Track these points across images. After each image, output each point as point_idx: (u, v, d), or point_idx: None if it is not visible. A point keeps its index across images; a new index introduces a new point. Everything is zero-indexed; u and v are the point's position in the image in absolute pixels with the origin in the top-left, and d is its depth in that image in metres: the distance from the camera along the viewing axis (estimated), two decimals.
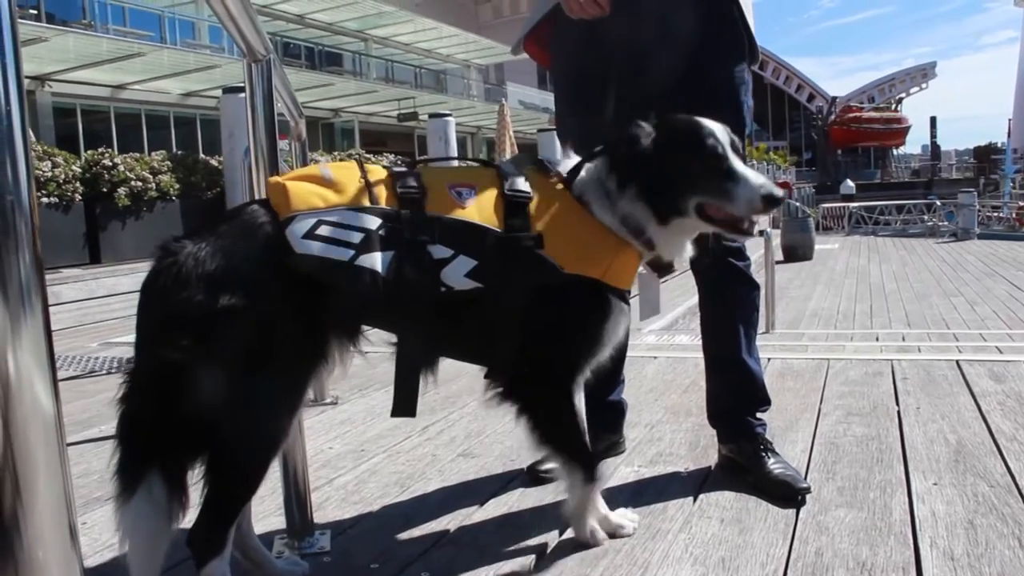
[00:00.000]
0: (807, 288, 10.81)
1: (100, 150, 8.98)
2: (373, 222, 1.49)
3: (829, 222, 24.74)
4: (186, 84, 18.24)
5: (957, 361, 3.50)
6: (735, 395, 2.24)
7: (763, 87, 52.34)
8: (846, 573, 1.64)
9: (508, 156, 14.79)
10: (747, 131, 2.19)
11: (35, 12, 16.16)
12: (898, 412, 2.78)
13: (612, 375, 2.26)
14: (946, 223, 21.61)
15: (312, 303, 1.45)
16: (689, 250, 1.76)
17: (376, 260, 1.47)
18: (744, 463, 2.17)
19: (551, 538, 1.86)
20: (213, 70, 17.34)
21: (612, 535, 1.83)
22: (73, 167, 8.31)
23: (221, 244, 1.41)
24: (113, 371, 4.32)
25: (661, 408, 2.95)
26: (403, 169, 1.62)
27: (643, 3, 2.02)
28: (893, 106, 62.28)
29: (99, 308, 7.04)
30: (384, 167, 1.63)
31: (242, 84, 1.80)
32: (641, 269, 1.76)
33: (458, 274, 1.51)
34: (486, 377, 1.69)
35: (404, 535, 1.93)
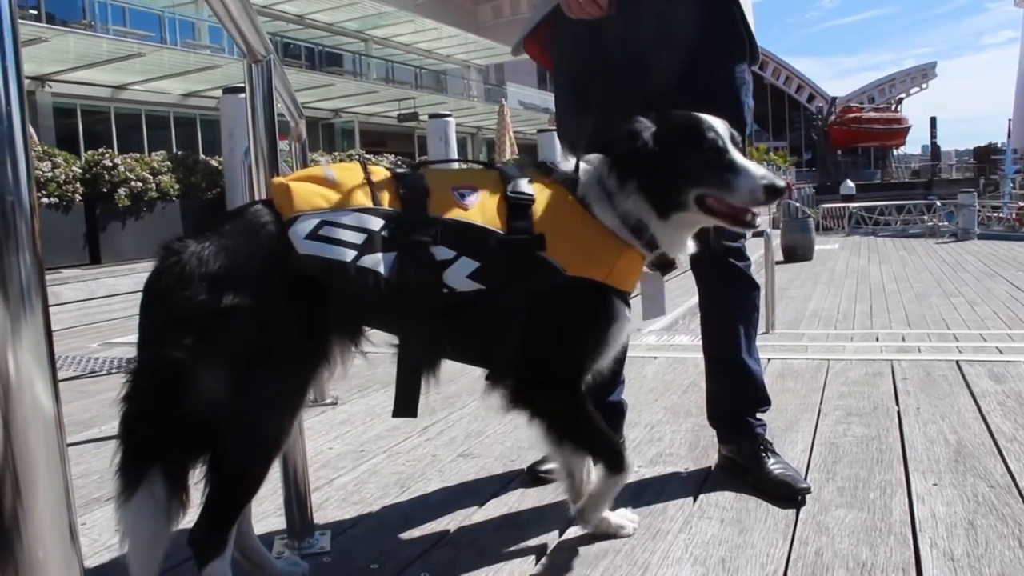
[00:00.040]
0: (807, 288, 10.81)
1: (100, 150, 8.97)
2: (376, 223, 1.49)
3: (829, 222, 24.73)
4: (186, 84, 18.24)
5: (957, 361, 3.50)
6: (735, 395, 2.25)
7: (763, 87, 52.30)
8: (846, 573, 1.64)
9: (508, 156, 14.81)
10: (748, 131, 2.19)
11: (35, 12, 16.17)
12: (898, 412, 2.78)
13: (612, 376, 2.25)
14: (946, 223, 21.62)
15: (314, 304, 1.45)
16: (691, 246, 1.76)
17: (378, 261, 1.47)
18: (744, 463, 2.17)
19: (551, 538, 1.86)
20: (213, 70, 17.35)
21: (612, 535, 1.83)
22: (73, 167, 8.30)
23: (224, 244, 1.41)
24: (113, 371, 4.32)
25: (661, 408, 2.95)
26: (406, 170, 1.62)
27: (643, 3, 2.02)
28: (893, 106, 62.25)
29: (99, 308, 7.04)
30: (387, 168, 1.63)
31: (242, 84, 1.80)
32: (645, 270, 1.75)
33: (460, 275, 1.51)
34: (487, 379, 1.69)
35: (404, 535, 1.93)
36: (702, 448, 2.44)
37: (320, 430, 2.86)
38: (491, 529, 1.94)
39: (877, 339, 6.35)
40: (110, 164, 8.66)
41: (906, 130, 62.36)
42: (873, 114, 59.11)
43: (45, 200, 7.87)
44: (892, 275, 12.27)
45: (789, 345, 5.19)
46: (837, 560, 1.69)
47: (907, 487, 2.08)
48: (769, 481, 2.07)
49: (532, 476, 2.24)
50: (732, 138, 1.65)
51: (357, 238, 1.46)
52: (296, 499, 1.86)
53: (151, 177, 9.03)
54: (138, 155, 9.38)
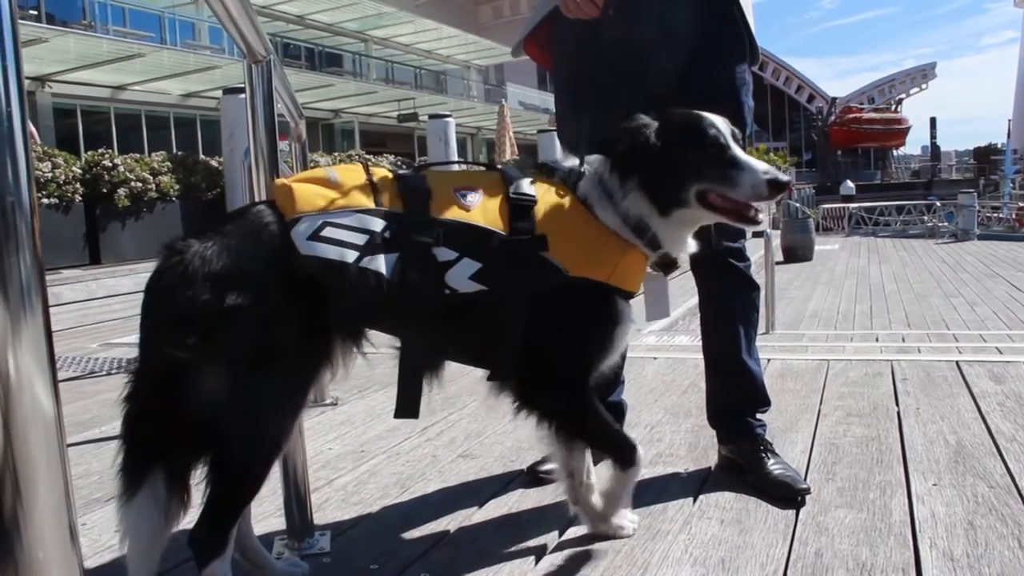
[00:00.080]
0: (807, 289, 10.81)
1: (100, 151, 8.98)
2: (378, 224, 1.49)
3: (829, 223, 24.72)
4: (186, 85, 18.25)
5: (957, 362, 3.50)
6: (735, 396, 2.25)
7: (763, 88, 52.28)
8: (846, 574, 1.64)
9: (508, 157, 14.81)
10: (748, 131, 2.19)
11: (35, 13, 16.17)
12: (898, 413, 2.78)
13: (612, 376, 2.25)
14: (946, 224, 21.61)
15: (316, 304, 1.45)
16: (692, 245, 1.75)
17: (380, 262, 1.47)
18: (744, 464, 2.17)
19: (551, 539, 1.86)
20: (213, 71, 17.35)
21: (612, 536, 1.83)
22: (73, 168, 8.31)
23: (227, 243, 1.42)
24: (113, 372, 4.32)
25: (661, 409, 2.95)
26: (408, 172, 1.62)
27: (643, 3, 2.02)
28: (893, 107, 62.23)
29: (99, 309, 7.04)
30: (389, 169, 1.63)
31: (242, 85, 1.80)
32: (649, 270, 1.75)
33: (462, 276, 1.51)
34: (489, 379, 1.69)
35: (404, 536, 1.93)
36: (702, 449, 2.44)
37: (320, 431, 2.86)
38: (491, 529, 1.94)
39: (877, 340, 6.35)
40: (110, 164, 8.67)
41: (906, 130, 62.35)
42: (873, 115, 59.10)
43: (45, 201, 7.88)
44: (892, 275, 12.27)
45: (789, 345, 5.19)
46: (837, 560, 1.69)
47: (907, 487, 2.08)
48: (769, 482, 2.07)
49: (532, 476, 2.24)
50: (733, 135, 1.66)
51: (359, 239, 1.47)
52: (296, 499, 1.86)
53: (151, 177, 9.04)
54: (138, 156, 9.39)
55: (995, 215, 25.28)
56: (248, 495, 1.49)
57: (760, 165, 1.60)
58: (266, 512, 2.03)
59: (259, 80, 1.74)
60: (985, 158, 57.14)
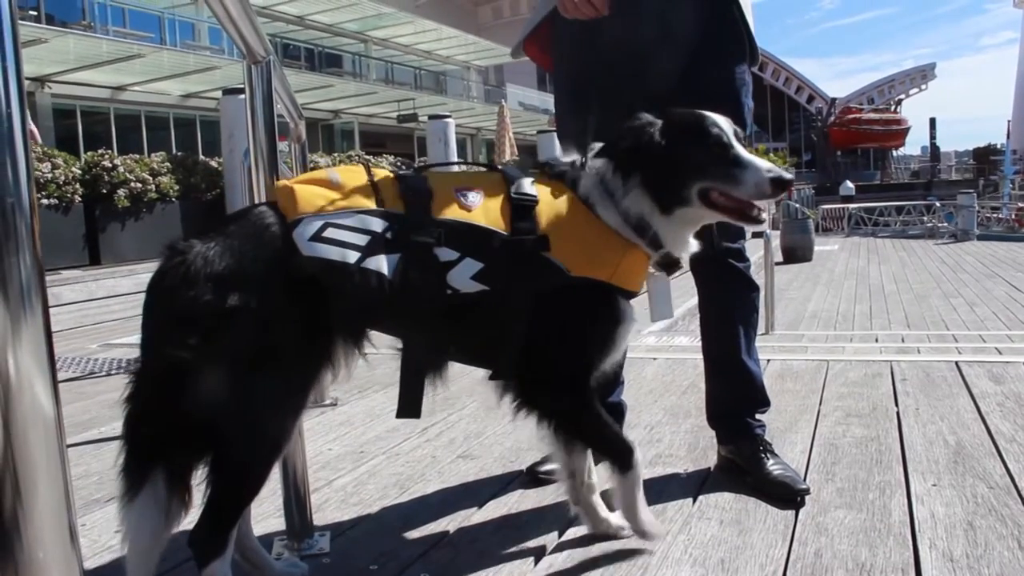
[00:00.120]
0: (806, 289, 10.81)
1: (100, 151, 8.99)
2: (379, 225, 1.50)
3: (829, 223, 24.72)
4: (186, 85, 18.25)
5: (956, 362, 3.50)
6: (734, 396, 2.25)
7: (763, 88, 52.30)
8: (845, 574, 1.64)
9: (508, 158, 14.81)
10: (748, 132, 2.19)
11: (35, 13, 16.18)
12: (897, 413, 2.78)
13: (612, 377, 2.26)
14: (945, 224, 21.61)
15: (318, 305, 1.46)
16: (693, 244, 1.75)
17: (382, 263, 1.47)
18: (743, 464, 2.17)
19: (550, 540, 1.86)
20: (213, 71, 17.36)
21: (612, 536, 1.83)
22: (73, 168, 8.31)
23: (229, 244, 1.42)
24: (113, 373, 4.32)
25: (660, 409, 2.95)
26: (409, 172, 1.62)
27: (643, 3, 2.02)
28: (892, 107, 62.27)
29: (99, 309, 7.04)
30: (390, 170, 1.63)
31: (242, 85, 1.81)
32: (651, 270, 1.75)
33: (464, 277, 1.51)
34: (491, 379, 1.69)
35: (403, 536, 1.93)
36: (701, 449, 2.44)
37: (320, 431, 2.86)
38: (490, 530, 1.94)
39: (876, 340, 6.35)
40: (110, 165, 8.68)
41: (905, 131, 62.38)
42: (872, 115, 59.13)
43: (45, 201, 7.88)
44: (891, 276, 12.26)
45: (788, 346, 5.19)
46: (836, 561, 1.69)
47: (906, 488, 2.08)
48: (768, 482, 2.07)
49: (531, 477, 2.24)
50: (736, 134, 1.66)
51: (361, 240, 1.47)
52: (295, 500, 1.86)
53: (151, 178, 9.04)
54: (138, 156, 9.40)
55: (994, 215, 25.29)
56: (249, 496, 1.49)
57: (763, 163, 1.60)
58: (266, 513, 2.03)
59: (259, 81, 1.74)
60: (984, 158, 57.20)
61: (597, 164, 1.68)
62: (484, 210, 1.57)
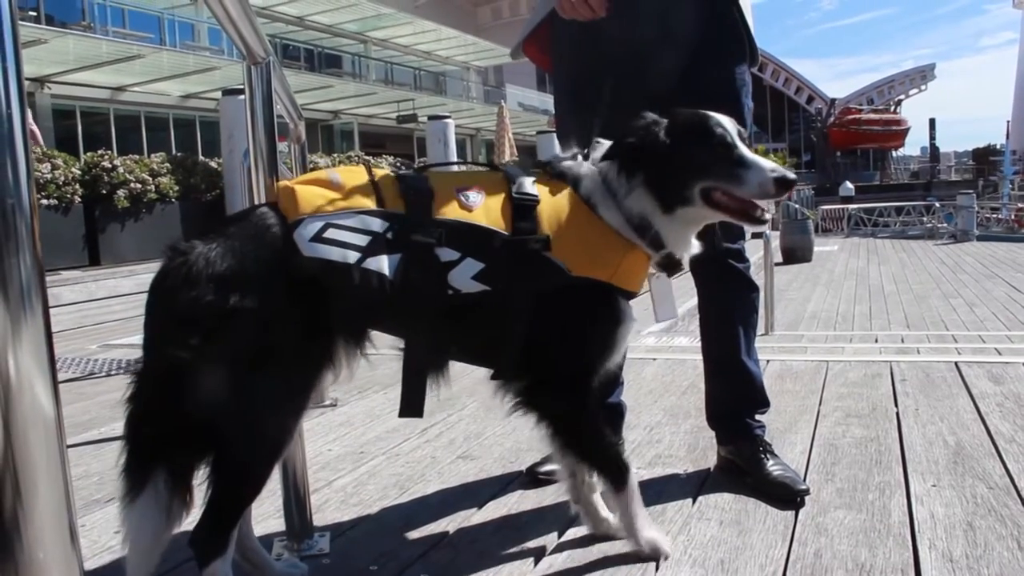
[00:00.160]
0: (806, 290, 10.81)
1: (99, 152, 8.99)
2: (380, 225, 1.50)
3: (828, 224, 24.72)
4: (185, 86, 18.26)
5: (956, 363, 3.50)
6: (734, 397, 2.25)
7: (762, 89, 52.33)
8: (845, 575, 1.64)
9: (507, 158, 14.81)
10: (748, 133, 2.19)
11: (34, 14, 16.19)
12: (897, 414, 2.78)
13: (612, 377, 2.26)
14: (945, 225, 21.61)
15: (319, 306, 1.46)
16: (696, 246, 1.75)
17: (383, 263, 1.47)
18: (743, 465, 2.17)
19: (550, 540, 1.86)
20: (212, 72, 17.37)
21: (612, 537, 1.83)
22: (72, 169, 8.31)
23: (230, 245, 1.42)
24: (112, 373, 4.32)
25: (660, 410, 2.95)
26: (410, 173, 1.62)
27: (642, 3, 2.02)
28: (892, 108, 62.28)
29: (98, 310, 7.04)
30: (391, 170, 1.63)
31: (241, 86, 1.81)
32: (653, 272, 1.75)
33: (465, 277, 1.51)
34: (492, 379, 1.69)
35: (403, 537, 1.93)
36: (701, 450, 2.44)
37: (319, 432, 2.86)
38: (490, 531, 1.94)
39: (876, 340, 6.34)
40: (109, 166, 8.68)
41: (905, 132, 62.40)
42: (872, 116, 59.14)
43: (44, 202, 7.88)
44: (891, 276, 12.26)
45: (788, 346, 5.19)
46: (836, 561, 1.69)
47: (906, 488, 2.08)
48: (768, 482, 2.07)
49: (531, 478, 2.24)
50: (740, 135, 1.66)
51: (361, 240, 1.47)
52: (295, 501, 1.86)
53: (150, 179, 9.04)
54: (137, 157, 9.40)
55: (994, 216, 25.30)
56: (250, 496, 1.49)
57: (767, 163, 1.60)
58: (266, 513, 2.03)
59: (258, 81, 1.74)
60: (984, 159, 57.21)
61: (601, 163, 1.68)
62: (485, 210, 1.57)
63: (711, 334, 2.29)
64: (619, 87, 2.00)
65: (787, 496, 2.02)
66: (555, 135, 2.40)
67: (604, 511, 1.83)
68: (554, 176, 1.69)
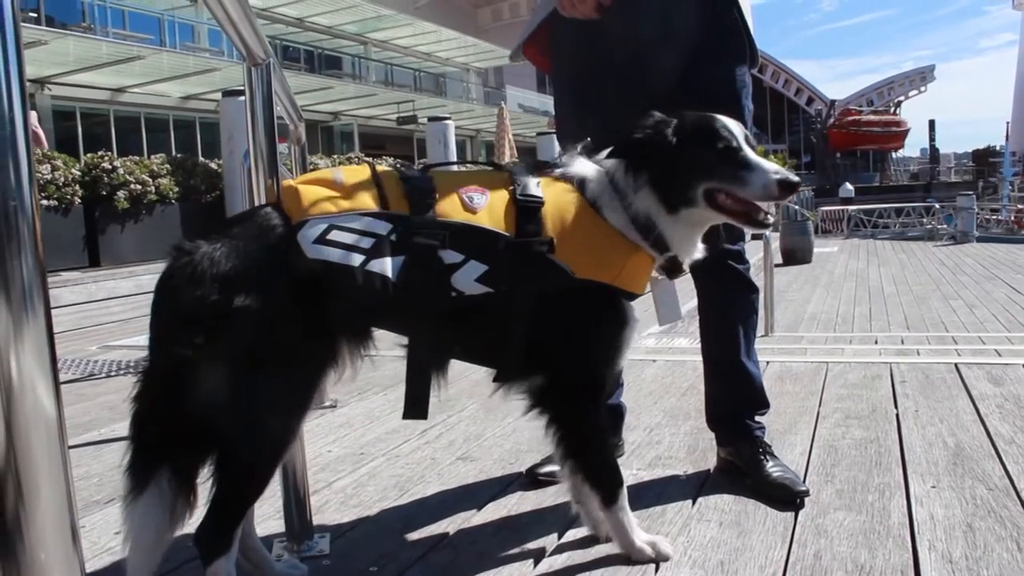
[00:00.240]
0: (806, 291, 10.81)
1: (99, 153, 8.98)
2: (383, 227, 1.50)
3: (828, 225, 24.72)
4: (185, 87, 18.27)
5: (956, 364, 3.50)
6: (734, 398, 2.25)
7: (762, 90, 52.35)
8: None
9: (507, 159, 14.80)
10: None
11: (35, 15, 16.20)
12: (896, 415, 2.78)
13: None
14: (945, 226, 21.62)
15: (322, 306, 1.46)
16: (700, 248, 1.74)
17: (386, 265, 1.47)
18: (743, 466, 2.17)
19: (550, 541, 1.86)
20: (212, 73, 17.38)
21: (611, 539, 1.83)
22: (72, 170, 8.31)
23: (235, 245, 1.43)
24: (112, 374, 4.32)
25: (660, 411, 2.95)
26: (415, 173, 1.62)
27: (643, 2, 2.02)
28: (892, 109, 62.32)
29: (98, 311, 7.03)
30: (396, 171, 1.63)
31: (241, 87, 1.81)
32: (656, 274, 1.75)
33: (468, 279, 1.51)
34: (495, 380, 1.69)
35: (403, 538, 1.93)
36: (701, 451, 2.44)
37: (319, 433, 2.86)
38: (490, 532, 1.94)
39: (876, 342, 6.34)
40: (109, 167, 8.68)
41: (905, 133, 62.45)
42: (872, 117, 59.20)
43: (45, 203, 7.88)
44: (891, 278, 12.26)
45: (788, 348, 5.20)
46: (836, 563, 1.69)
47: (906, 490, 2.08)
48: (768, 484, 2.08)
49: (531, 479, 2.24)
50: (747, 138, 1.66)
51: (365, 242, 1.47)
52: (295, 502, 1.86)
53: (150, 180, 9.04)
54: (137, 158, 9.39)
55: (994, 217, 25.32)
56: (253, 494, 1.49)
57: (770, 165, 1.60)
58: (266, 514, 2.03)
59: (258, 82, 1.74)
60: (984, 160, 57.25)
61: (607, 163, 1.68)
62: (489, 212, 1.56)
63: (711, 335, 2.29)
64: (620, 87, 2.00)
65: (787, 497, 2.02)
66: (555, 136, 2.40)
67: (600, 512, 1.82)
68: (559, 177, 1.68)
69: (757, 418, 2.23)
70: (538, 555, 1.80)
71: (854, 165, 60.73)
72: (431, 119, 6.43)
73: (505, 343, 1.60)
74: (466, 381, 3.18)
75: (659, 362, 3.84)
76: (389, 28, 25.63)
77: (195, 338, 1.36)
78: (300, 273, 1.44)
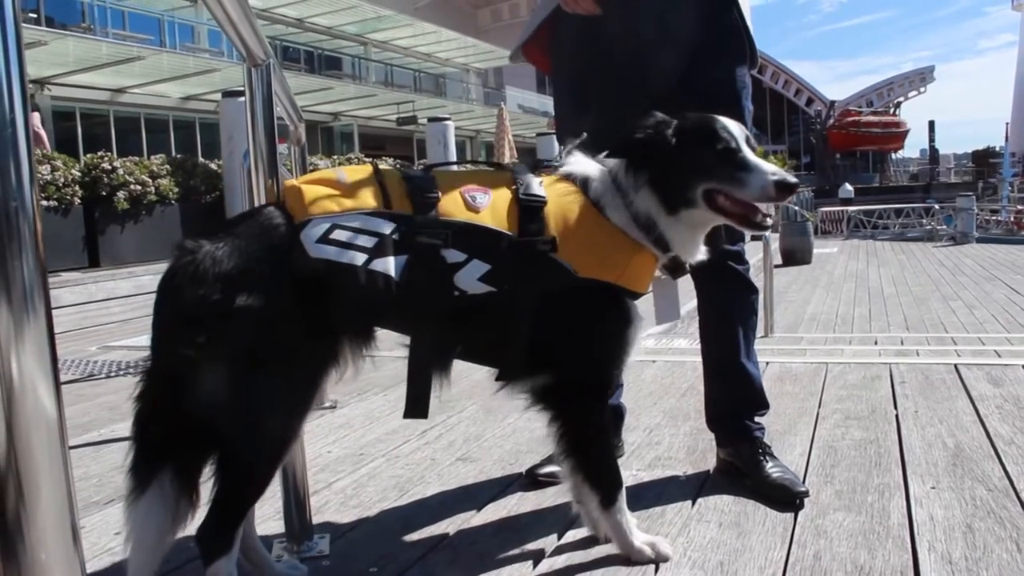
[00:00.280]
0: (806, 292, 10.81)
1: (99, 154, 8.99)
2: (387, 227, 1.50)
3: (828, 226, 24.73)
4: (185, 88, 18.27)
5: (955, 365, 3.50)
6: (733, 399, 2.25)
7: (762, 91, 52.37)
8: None
9: (507, 160, 14.80)
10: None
11: (35, 16, 16.20)
12: (896, 416, 2.78)
13: None
14: (944, 227, 21.64)
15: (324, 306, 1.46)
16: (702, 249, 1.74)
17: (389, 265, 1.47)
18: (742, 467, 2.17)
19: (549, 542, 1.86)
20: (212, 74, 17.38)
21: (610, 540, 1.83)
22: (72, 171, 8.31)
23: (237, 245, 1.43)
24: (112, 375, 4.32)
25: (660, 412, 2.95)
26: (417, 172, 1.62)
27: (643, 3, 2.02)
28: (891, 110, 62.36)
29: (98, 312, 7.03)
30: (398, 170, 1.63)
31: (241, 88, 1.81)
32: (657, 273, 1.75)
33: (471, 278, 1.52)
34: (497, 379, 1.69)
35: (403, 539, 1.93)
36: (700, 452, 2.44)
37: (319, 434, 2.86)
38: (490, 533, 1.94)
39: (875, 343, 6.34)
40: (109, 167, 8.68)
41: (904, 134, 62.48)
42: (871, 118, 59.23)
43: (44, 203, 7.88)
44: (891, 279, 12.27)
45: (787, 348, 5.19)
46: (835, 563, 1.69)
47: (905, 491, 2.08)
48: (767, 484, 2.08)
49: (531, 480, 2.24)
50: (746, 140, 1.66)
51: (368, 242, 1.47)
52: (295, 503, 1.86)
53: (150, 180, 9.05)
54: (137, 158, 9.40)
55: (993, 218, 25.34)
56: (255, 494, 1.50)
57: (768, 167, 1.61)
58: (265, 515, 2.03)
59: (258, 83, 1.74)
60: (983, 161, 57.27)
61: (610, 163, 1.68)
62: (492, 211, 1.57)
63: (710, 336, 2.29)
64: (620, 88, 2.00)
65: (786, 498, 2.02)
66: (555, 137, 2.40)
67: (598, 513, 1.82)
68: (561, 177, 1.69)
69: (757, 419, 2.23)
70: (538, 556, 1.80)
71: (854, 166, 60.76)
72: (431, 120, 6.43)
73: (508, 342, 1.60)
74: (466, 382, 3.18)
75: (659, 363, 3.84)
76: (389, 29, 25.63)
77: (197, 337, 1.36)
78: (303, 272, 1.44)
